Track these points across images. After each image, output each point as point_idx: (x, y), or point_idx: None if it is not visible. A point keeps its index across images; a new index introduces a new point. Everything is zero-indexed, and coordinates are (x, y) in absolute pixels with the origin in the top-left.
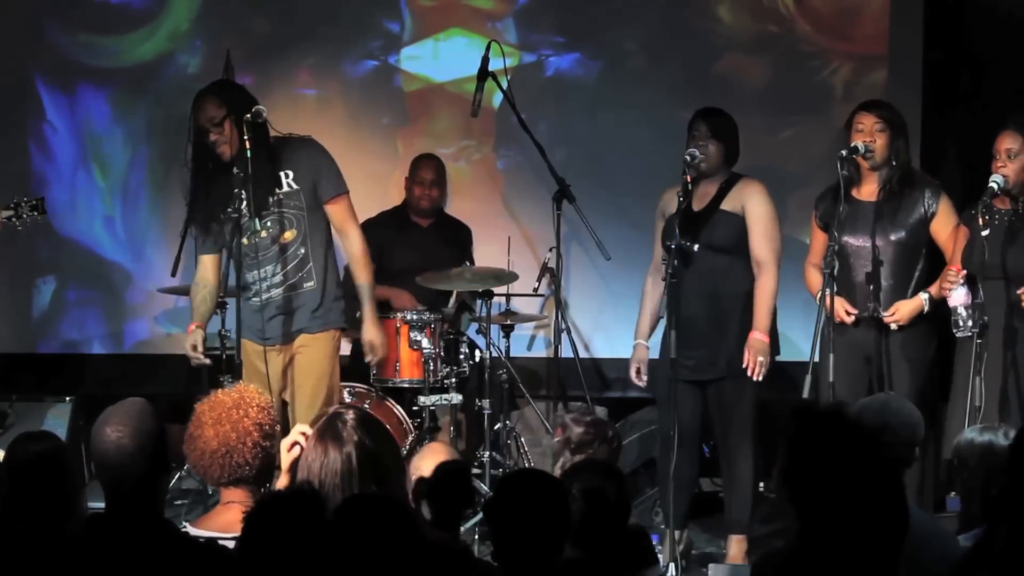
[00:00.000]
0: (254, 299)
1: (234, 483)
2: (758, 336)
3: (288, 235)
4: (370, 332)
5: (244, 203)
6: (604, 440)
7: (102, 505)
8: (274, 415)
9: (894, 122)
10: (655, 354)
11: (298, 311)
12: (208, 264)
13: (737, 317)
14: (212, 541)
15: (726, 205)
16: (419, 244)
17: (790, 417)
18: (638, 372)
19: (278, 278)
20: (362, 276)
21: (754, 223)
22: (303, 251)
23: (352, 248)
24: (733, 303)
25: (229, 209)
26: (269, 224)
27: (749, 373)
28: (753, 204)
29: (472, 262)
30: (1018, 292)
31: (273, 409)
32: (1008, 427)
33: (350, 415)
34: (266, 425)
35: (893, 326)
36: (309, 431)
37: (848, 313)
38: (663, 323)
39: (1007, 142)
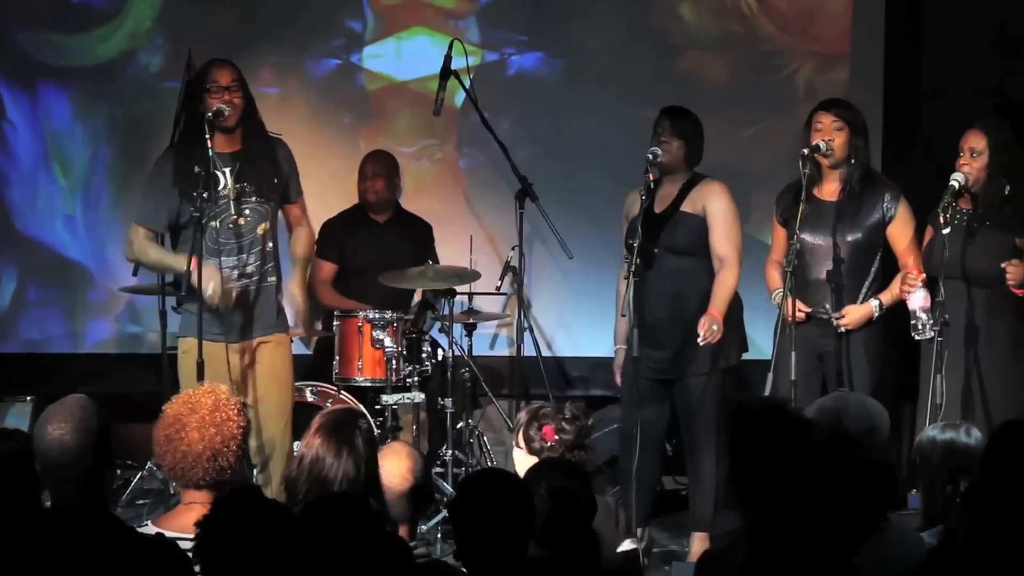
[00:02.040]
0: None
1: (210, 486)
2: (713, 312)
3: (263, 227)
4: (296, 289)
5: (222, 186)
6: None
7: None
8: (247, 417)
9: (852, 121)
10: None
11: (261, 308)
12: (142, 238)
13: (696, 317)
14: (161, 536)
15: (686, 206)
16: (378, 240)
17: (730, 416)
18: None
19: (251, 268)
20: (301, 251)
21: (715, 222)
22: (271, 245)
23: (304, 239)
24: (696, 303)
25: (202, 193)
26: (248, 212)
27: (700, 340)
28: (713, 203)
29: (436, 258)
30: (1002, 265)
31: (246, 411)
32: (970, 424)
33: (364, 426)
34: (245, 428)
35: (842, 328)
36: None
37: (800, 311)
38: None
39: (971, 140)
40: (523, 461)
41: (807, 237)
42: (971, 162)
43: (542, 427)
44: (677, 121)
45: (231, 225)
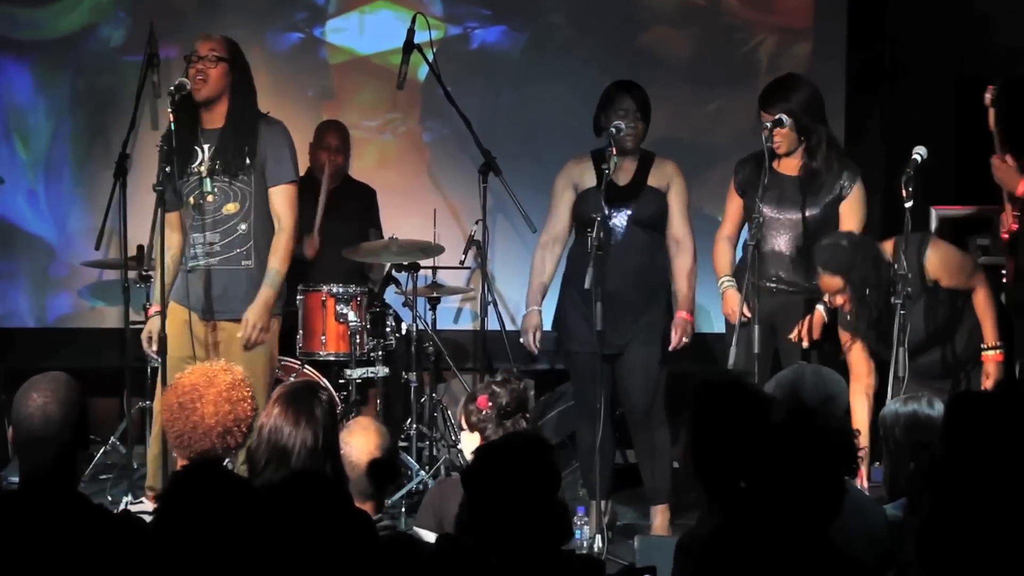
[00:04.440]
0: (189, 263)
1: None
2: (686, 316)
3: (230, 207)
4: (254, 312)
5: (198, 162)
6: (528, 393)
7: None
8: (257, 404)
9: (793, 111)
10: (547, 327)
11: (235, 290)
12: (175, 222)
13: (655, 290)
14: (127, 513)
15: (653, 182)
16: (326, 207)
17: (694, 392)
18: (534, 339)
19: (216, 247)
20: (277, 262)
21: (677, 202)
22: (244, 227)
23: (282, 236)
24: (653, 276)
25: (164, 167)
26: (215, 191)
27: (671, 349)
28: (677, 183)
29: (379, 223)
30: (826, 300)
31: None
32: (932, 396)
33: (324, 397)
34: (254, 414)
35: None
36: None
37: (745, 315)
38: (555, 299)
39: (828, 284)
40: (467, 441)
41: (766, 210)
42: (836, 298)
43: (476, 399)
44: (640, 100)
45: (201, 201)
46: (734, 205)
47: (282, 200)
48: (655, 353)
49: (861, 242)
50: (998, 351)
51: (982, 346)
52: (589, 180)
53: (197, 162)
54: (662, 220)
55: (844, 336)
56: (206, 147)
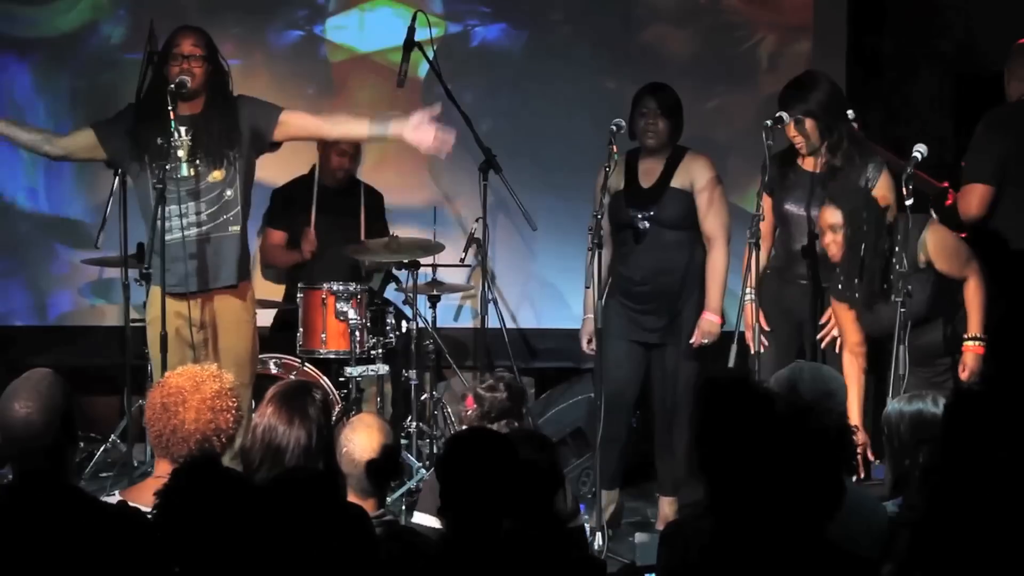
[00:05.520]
0: (176, 234)
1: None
2: (711, 318)
3: (216, 175)
4: (409, 127)
5: (175, 139)
6: (521, 400)
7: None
8: (241, 414)
9: (815, 112)
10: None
11: (221, 257)
12: (86, 139)
13: (687, 288)
14: (123, 504)
15: (675, 182)
16: (330, 206)
17: (699, 388)
18: (589, 342)
19: (204, 216)
20: (363, 124)
21: (702, 198)
22: (230, 193)
23: (339, 113)
24: (683, 275)
25: (164, 165)
26: (199, 164)
27: (693, 343)
28: (701, 179)
29: (386, 226)
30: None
31: (240, 415)
32: (936, 394)
33: (318, 396)
34: (236, 428)
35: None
36: None
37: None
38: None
39: (827, 217)
40: None
41: (791, 208)
42: (834, 235)
43: (466, 397)
44: (662, 99)
45: (176, 176)
46: (764, 208)
47: (296, 116)
48: (687, 350)
49: (874, 202)
50: (979, 343)
51: (964, 336)
52: (619, 182)
53: (176, 140)
54: (687, 218)
55: (837, 308)
56: (182, 129)
